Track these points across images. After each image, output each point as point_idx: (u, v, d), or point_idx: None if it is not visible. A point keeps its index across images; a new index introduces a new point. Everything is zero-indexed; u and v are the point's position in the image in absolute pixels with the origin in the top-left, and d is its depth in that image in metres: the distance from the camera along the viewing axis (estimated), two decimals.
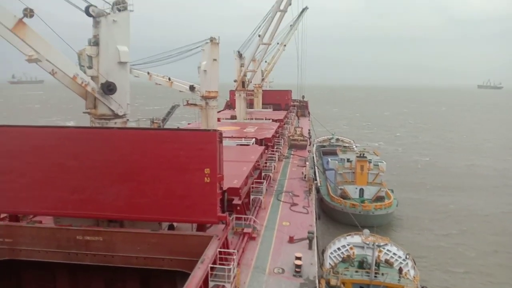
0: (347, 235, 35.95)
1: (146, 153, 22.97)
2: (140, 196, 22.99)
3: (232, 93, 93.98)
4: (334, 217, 55.65)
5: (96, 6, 24.69)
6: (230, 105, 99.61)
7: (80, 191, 23.39)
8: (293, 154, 60.13)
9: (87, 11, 24.61)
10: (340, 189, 56.42)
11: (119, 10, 25.53)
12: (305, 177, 45.33)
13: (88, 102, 26.31)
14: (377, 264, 30.51)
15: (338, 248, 34.35)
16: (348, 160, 57.84)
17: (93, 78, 25.46)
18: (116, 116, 26.96)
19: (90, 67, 25.46)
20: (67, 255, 23.60)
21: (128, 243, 23.02)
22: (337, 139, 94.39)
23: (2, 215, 26.29)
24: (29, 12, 21.31)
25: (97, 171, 23.29)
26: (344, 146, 74.40)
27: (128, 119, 28.45)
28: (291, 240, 28.27)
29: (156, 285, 24.54)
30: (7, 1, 21.88)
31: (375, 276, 29.55)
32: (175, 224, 25.35)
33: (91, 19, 25.44)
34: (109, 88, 25.79)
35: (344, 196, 55.27)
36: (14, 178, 23.99)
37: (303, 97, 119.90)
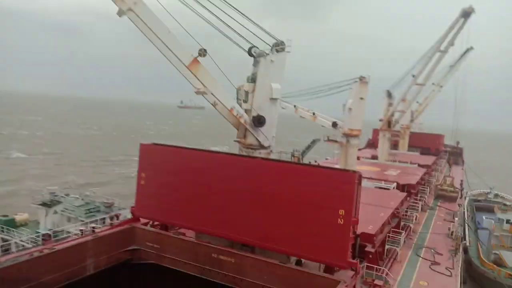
0: None
1: (283, 185, 23.60)
2: (272, 225, 23.63)
3: (375, 132, 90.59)
4: (483, 285, 47.76)
5: (257, 48, 27.33)
6: (373, 144, 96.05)
7: (220, 212, 25.24)
8: (439, 206, 54.30)
9: (249, 52, 27.44)
10: (495, 254, 48.37)
11: (277, 51, 27.70)
12: (451, 234, 40.33)
13: (239, 132, 28.89)
14: None
15: None
16: (509, 222, 49.58)
17: (246, 111, 28.00)
18: (262, 147, 28.85)
19: (245, 101, 28.10)
20: (202, 270, 25.53)
21: (257, 270, 23.73)
22: (496, 195, 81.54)
23: (155, 223, 30.20)
24: (203, 52, 24.83)
25: (238, 196, 24.89)
26: (505, 204, 63.81)
27: (271, 151, 30.14)
28: None
29: None
30: (184, 39, 25.67)
31: None
32: (302, 260, 25.29)
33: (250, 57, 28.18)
34: (259, 121, 27.93)
35: (499, 263, 47.02)
36: (168, 192, 27.39)
37: (457, 143, 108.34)
